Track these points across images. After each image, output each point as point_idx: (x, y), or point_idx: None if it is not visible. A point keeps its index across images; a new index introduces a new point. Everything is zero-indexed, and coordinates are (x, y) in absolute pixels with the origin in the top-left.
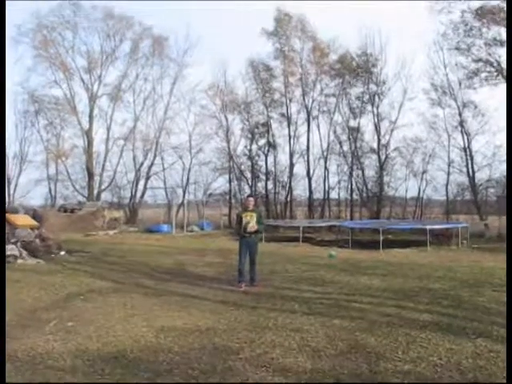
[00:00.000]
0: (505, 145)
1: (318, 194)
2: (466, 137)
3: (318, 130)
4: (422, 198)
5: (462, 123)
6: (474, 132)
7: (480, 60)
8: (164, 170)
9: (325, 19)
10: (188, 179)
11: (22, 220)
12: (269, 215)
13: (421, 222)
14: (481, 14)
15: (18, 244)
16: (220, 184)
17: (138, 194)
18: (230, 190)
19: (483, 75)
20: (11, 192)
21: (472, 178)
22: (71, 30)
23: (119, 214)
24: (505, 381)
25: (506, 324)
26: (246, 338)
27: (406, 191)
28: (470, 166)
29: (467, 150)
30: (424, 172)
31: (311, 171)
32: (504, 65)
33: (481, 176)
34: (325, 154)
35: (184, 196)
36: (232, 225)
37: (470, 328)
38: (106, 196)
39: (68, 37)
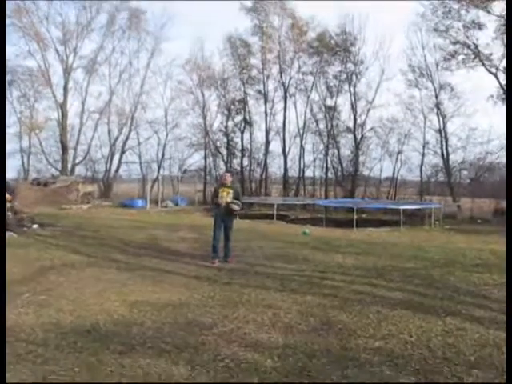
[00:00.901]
0: (480, 127)
1: (293, 172)
2: (441, 118)
3: (295, 107)
4: (397, 178)
5: (438, 105)
6: (449, 114)
7: (458, 42)
8: (139, 144)
9: None
10: (163, 154)
11: None
12: (244, 192)
13: (394, 202)
14: None
15: None
16: (195, 160)
17: (113, 169)
18: (206, 167)
19: (460, 57)
20: None
21: (446, 160)
22: None
23: (93, 188)
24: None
25: (506, 324)
26: (219, 314)
27: (381, 171)
28: (444, 147)
29: (442, 132)
30: (399, 152)
31: (287, 149)
32: (481, 48)
33: (455, 158)
34: (301, 132)
35: (159, 171)
36: (207, 201)
37: (439, 306)
38: (80, 170)
39: (43, 6)
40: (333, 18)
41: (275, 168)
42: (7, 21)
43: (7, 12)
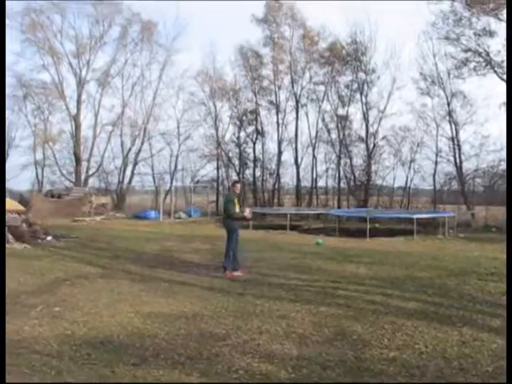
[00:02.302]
0: (492, 135)
1: (306, 182)
2: (454, 126)
3: (307, 117)
4: (410, 187)
5: (450, 113)
6: (462, 122)
7: (469, 50)
8: (152, 156)
9: (315, 7)
10: (176, 166)
11: (8, 205)
12: (256, 203)
13: (408, 211)
14: (470, 3)
15: (5, 229)
16: (208, 171)
17: (126, 180)
18: (218, 177)
19: (472, 65)
20: None
21: (459, 168)
22: (60, 13)
23: (106, 200)
24: (491, 368)
25: (506, 325)
26: (233, 325)
27: (394, 180)
28: (457, 155)
29: (455, 140)
30: (412, 161)
31: (299, 159)
32: (493, 55)
33: (468, 166)
34: (313, 142)
35: (172, 182)
36: (220, 212)
37: (455, 316)
38: (93, 182)
39: (56, 21)
40: (344, 27)
41: (288, 178)
42: (22, 36)
43: (22, 28)
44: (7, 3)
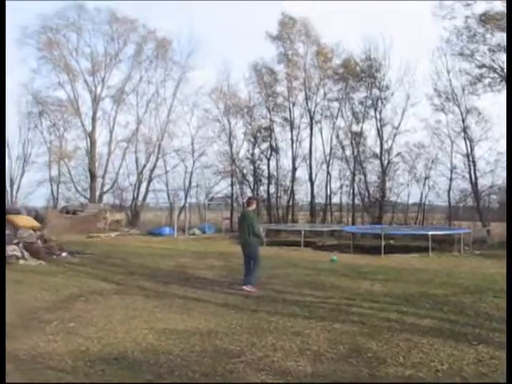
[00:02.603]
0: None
1: (320, 199)
2: (468, 143)
3: (321, 134)
4: (424, 203)
5: (465, 129)
6: (477, 138)
7: (483, 66)
8: (166, 172)
9: (329, 24)
10: (190, 182)
11: (24, 221)
12: (270, 219)
13: (423, 228)
14: (485, 19)
15: (20, 245)
16: (222, 187)
17: (140, 197)
18: (232, 194)
19: (487, 81)
20: (14, 193)
21: (475, 185)
22: (76, 32)
23: (121, 217)
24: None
25: (506, 326)
26: (247, 341)
27: (408, 197)
28: (472, 172)
29: (470, 156)
30: (426, 178)
31: (313, 176)
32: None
33: (483, 182)
34: (327, 158)
35: (186, 199)
36: (234, 229)
37: (471, 334)
38: (108, 198)
39: (72, 39)
40: (357, 44)
41: (302, 195)
42: (39, 54)
43: (39, 45)
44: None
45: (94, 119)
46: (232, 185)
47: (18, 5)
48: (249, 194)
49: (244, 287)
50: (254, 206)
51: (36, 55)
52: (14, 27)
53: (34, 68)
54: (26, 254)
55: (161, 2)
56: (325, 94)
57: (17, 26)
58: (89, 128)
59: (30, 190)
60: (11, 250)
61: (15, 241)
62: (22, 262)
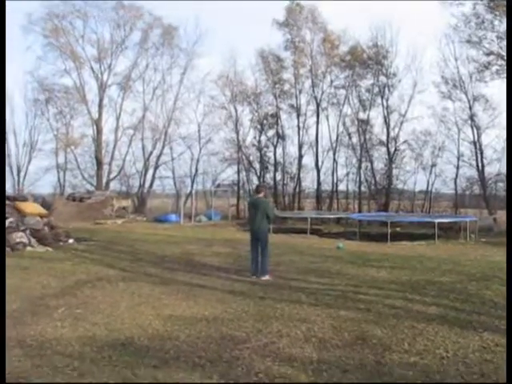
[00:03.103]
0: None
1: (327, 186)
2: (475, 130)
3: (327, 121)
4: (431, 191)
5: (472, 117)
6: (484, 126)
7: (491, 53)
8: (173, 159)
9: (336, 11)
10: (197, 169)
11: (31, 208)
12: (277, 206)
13: (429, 216)
14: (493, 6)
15: (27, 232)
16: (228, 174)
17: (147, 184)
18: (239, 181)
19: (494, 68)
20: (20, 180)
21: (481, 172)
22: (82, 18)
23: (127, 203)
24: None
25: (506, 325)
26: (253, 328)
27: (415, 184)
28: (479, 159)
29: (477, 144)
30: (433, 165)
31: (320, 163)
32: None
33: (490, 170)
34: (334, 145)
35: (192, 186)
36: (241, 215)
37: (476, 322)
38: (114, 185)
39: (78, 26)
40: (365, 31)
41: (308, 182)
42: (45, 41)
43: (44, 32)
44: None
45: (100, 106)
46: (238, 172)
47: None
48: (255, 181)
49: (262, 278)
50: (262, 194)
51: (42, 42)
52: (19, 14)
53: (40, 55)
54: (33, 240)
55: None
56: (331, 82)
57: (22, 13)
58: (95, 115)
59: (37, 177)
60: (18, 236)
61: (22, 227)
62: (29, 248)
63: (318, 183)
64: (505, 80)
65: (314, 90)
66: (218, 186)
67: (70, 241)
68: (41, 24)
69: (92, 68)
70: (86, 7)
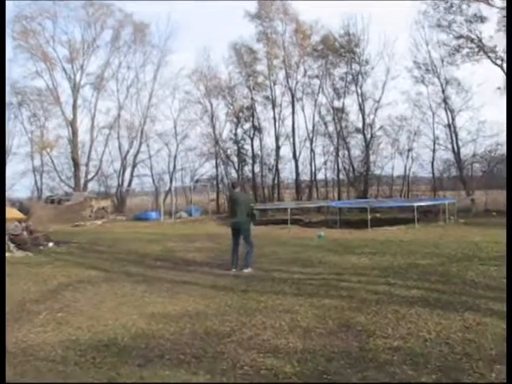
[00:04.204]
0: (489, 120)
1: (305, 176)
2: (449, 113)
3: (303, 111)
4: (409, 175)
5: (445, 100)
6: (457, 108)
7: (461, 37)
8: (150, 157)
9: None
10: (175, 166)
11: (8, 213)
12: (256, 199)
13: (408, 200)
14: None
15: (7, 238)
16: (207, 169)
17: (125, 183)
18: (217, 175)
19: (465, 51)
20: None
21: (457, 154)
22: (51, 19)
23: (107, 203)
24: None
25: (507, 327)
26: (237, 322)
27: (393, 169)
28: (454, 142)
29: (451, 127)
30: (410, 150)
31: (297, 153)
32: (485, 41)
33: (466, 152)
34: (310, 135)
35: (171, 183)
36: (221, 210)
37: (458, 302)
38: (92, 186)
39: (48, 26)
40: (336, 20)
41: (287, 173)
42: (14, 43)
43: (14, 34)
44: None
45: (74, 107)
46: (216, 166)
47: None
48: (234, 174)
49: (244, 270)
50: (239, 188)
51: (12, 44)
52: None
53: (11, 57)
54: (12, 246)
55: None
56: (305, 71)
57: None
58: (70, 116)
59: (14, 181)
60: None
61: None
62: (8, 254)
63: (297, 173)
64: (475, 63)
65: (288, 81)
66: (197, 181)
67: (50, 244)
68: (10, 26)
69: (64, 69)
70: (56, 7)
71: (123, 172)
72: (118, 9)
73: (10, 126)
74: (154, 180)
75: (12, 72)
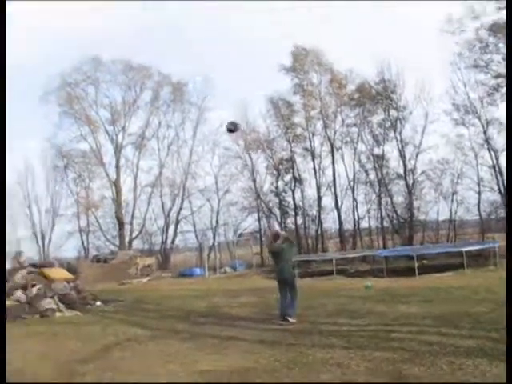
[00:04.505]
0: None
1: (349, 225)
2: (493, 154)
3: (343, 160)
4: (455, 219)
5: (487, 140)
6: (501, 148)
7: (499, 75)
8: (193, 213)
9: (340, 50)
10: (217, 221)
11: (57, 273)
12: (300, 250)
13: (455, 245)
14: (495, 29)
15: (55, 297)
16: (249, 223)
17: (169, 239)
18: (260, 229)
19: (504, 90)
20: (45, 246)
21: (504, 195)
22: (93, 84)
23: (151, 261)
24: None
25: (506, 327)
26: (287, 376)
27: (438, 214)
28: (500, 182)
29: (496, 167)
30: (454, 193)
31: (339, 203)
32: None
33: None
34: (351, 184)
35: (214, 238)
36: (265, 263)
37: None
38: (137, 243)
39: (91, 91)
40: (370, 67)
41: (330, 223)
42: (59, 109)
43: (59, 101)
44: None
45: (117, 167)
46: (259, 219)
47: (40, 67)
48: (277, 227)
49: (288, 318)
50: (280, 240)
51: (57, 110)
52: (36, 86)
53: (56, 123)
54: (62, 305)
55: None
56: (343, 121)
57: (39, 86)
58: (113, 176)
59: (61, 241)
60: (47, 303)
61: (50, 294)
62: (58, 314)
63: (340, 223)
64: None
65: (326, 131)
66: (240, 235)
67: (98, 303)
68: (55, 93)
69: (107, 131)
70: (97, 73)
71: (167, 229)
72: (157, 71)
73: (57, 188)
74: (197, 236)
75: (58, 137)
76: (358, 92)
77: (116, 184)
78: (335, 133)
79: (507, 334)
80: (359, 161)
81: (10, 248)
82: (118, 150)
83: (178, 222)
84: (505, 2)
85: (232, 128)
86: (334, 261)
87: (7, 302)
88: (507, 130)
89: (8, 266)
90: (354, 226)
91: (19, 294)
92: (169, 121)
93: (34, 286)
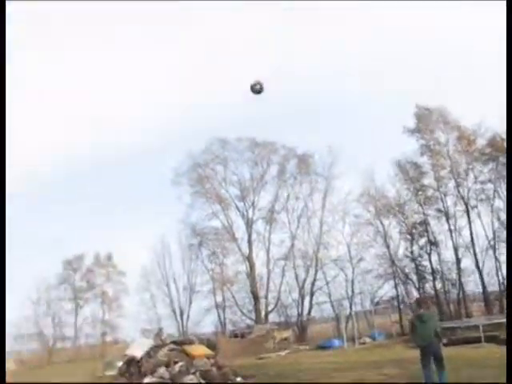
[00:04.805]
0: None
1: (493, 287)
2: None
3: (480, 219)
4: None
5: None
6: None
7: None
8: (327, 283)
9: (466, 105)
10: (353, 290)
11: (197, 350)
12: (442, 317)
13: None
14: None
15: (197, 374)
16: (386, 290)
17: (305, 311)
18: (398, 296)
19: None
20: (184, 322)
21: None
22: (222, 163)
23: (288, 334)
24: None
25: (506, 326)
26: None
27: None
28: None
29: None
30: None
31: (480, 264)
32: None
33: None
34: (491, 243)
35: (351, 307)
36: (405, 332)
37: None
38: (273, 317)
39: (220, 170)
40: (500, 118)
41: (472, 286)
42: (191, 189)
43: (191, 182)
44: None
45: (249, 242)
46: (396, 286)
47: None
48: (415, 293)
49: None
50: (425, 307)
51: (189, 191)
52: (168, 169)
53: (189, 203)
54: (203, 382)
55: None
56: (476, 178)
57: (170, 168)
58: (246, 251)
59: (199, 317)
60: (189, 379)
61: (192, 370)
62: None
63: (483, 285)
64: None
65: (459, 190)
66: (378, 303)
67: (238, 379)
68: (186, 175)
69: (237, 207)
70: (225, 152)
71: (302, 301)
72: (281, 145)
73: (192, 265)
74: (333, 306)
75: (191, 216)
76: (490, 146)
77: (249, 259)
78: (469, 191)
79: (507, 334)
80: (498, 218)
81: (151, 325)
82: (249, 225)
83: (312, 294)
84: None
85: (258, 88)
86: (480, 327)
87: (151, 379)
88: (507, 129)
89: (151, 342)
90: (499, 287)
91: (162, 370)
92: (297, 193)
93: (176, 363)
